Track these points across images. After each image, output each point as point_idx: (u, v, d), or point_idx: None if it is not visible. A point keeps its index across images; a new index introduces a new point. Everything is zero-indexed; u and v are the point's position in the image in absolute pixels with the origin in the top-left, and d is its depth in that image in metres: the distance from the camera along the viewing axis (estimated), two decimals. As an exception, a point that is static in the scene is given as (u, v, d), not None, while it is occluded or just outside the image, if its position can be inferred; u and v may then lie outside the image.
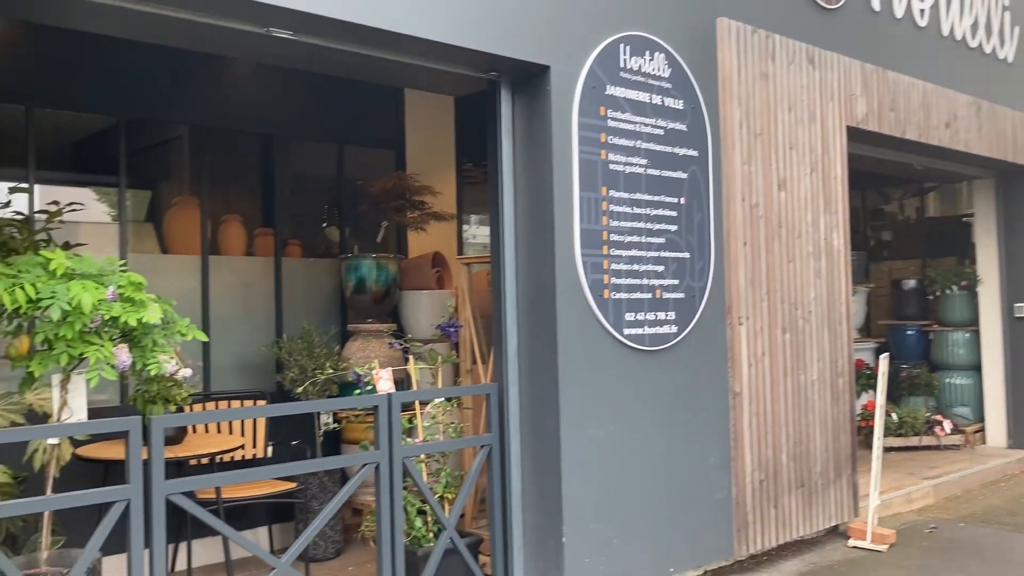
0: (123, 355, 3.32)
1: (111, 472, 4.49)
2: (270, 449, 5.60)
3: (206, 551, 5.37)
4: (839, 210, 5.97)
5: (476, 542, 4.48)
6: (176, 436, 4.70)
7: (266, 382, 5.95)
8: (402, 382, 5.36)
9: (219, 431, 5.50)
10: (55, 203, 4.63)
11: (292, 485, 5.21)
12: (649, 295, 4.70)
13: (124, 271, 3.48)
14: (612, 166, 4.56)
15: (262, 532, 5.75)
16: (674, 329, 4.81)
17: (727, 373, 5.08)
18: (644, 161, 4.71)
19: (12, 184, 4.42)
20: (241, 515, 5.58)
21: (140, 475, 3.25)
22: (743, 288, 5.21)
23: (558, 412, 4.24)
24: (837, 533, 5.98)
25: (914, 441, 8.29)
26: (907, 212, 10.56)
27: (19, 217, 4.56)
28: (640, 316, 4.64)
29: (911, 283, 9.52)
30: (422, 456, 4.57)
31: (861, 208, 10.40)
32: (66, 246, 4.60)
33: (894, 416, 8.26)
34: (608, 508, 4.41)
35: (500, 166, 4.45)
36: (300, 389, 5.31)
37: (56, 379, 3.38)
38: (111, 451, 4.49)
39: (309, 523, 5.46)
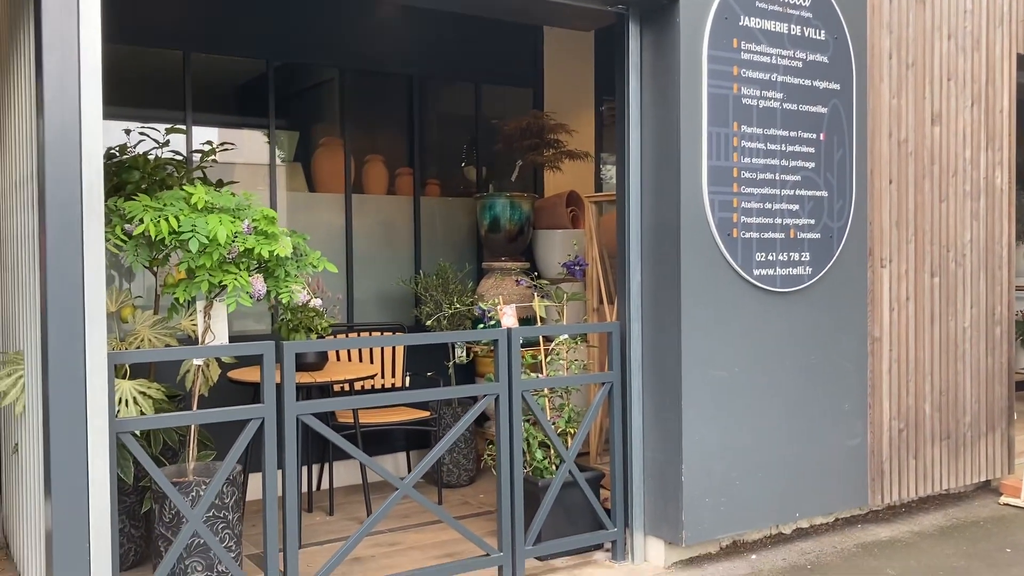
0: (258, 284, 3.55)
1: (260, 394, 4.83)
2: (408, 379, 5.85)
3: (348, 472, 5.72)
4: (1004, 146, 5.53)
5: (598, 476, 4.54)
6: (318, 363, 4.99)
7: (405, 316, 6.19)
8: (533, 319, 5.45)
9: (360, 360, 5.79)
10: (208, 143, 4.96)
11: (426, 414, 5.44)
12: (782, 235, 4.54)
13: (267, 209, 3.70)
14: (745, 100, 4.40)
15: (401, 457, 6.04)
16: (808, 270, 4.64)
17: (866, 317, 4.87)
18: (780, 95, 4.52)
19: (169, 125, 4.73)
20: (381, 440, 5.90)
21: (273, 396, 3.49)
22: (887, 229, 4.95)
23: (680, 351, 4.20)
24: (988, 489, 5.68)
25: (1090, 398, 7.67)
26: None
27: (178, 157, 4.91)
28: (771, 256, 4.50)
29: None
30: (545, 391, 4.65)
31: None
32: (219, 184, 4.93)
33: (1067, 370, 7.67)
34: (731, 449, 4.36)
35: (627, 102, 4.39)
36: (429, 322, 5.51)
37: (200, 305, 3.66)
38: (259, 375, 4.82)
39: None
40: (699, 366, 4.25)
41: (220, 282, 3.48)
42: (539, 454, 4.45)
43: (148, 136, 4.69)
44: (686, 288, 4.21)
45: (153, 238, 3.34)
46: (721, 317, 4.33)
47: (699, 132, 4.25)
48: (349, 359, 5.75)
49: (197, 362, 3.74)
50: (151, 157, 4.63)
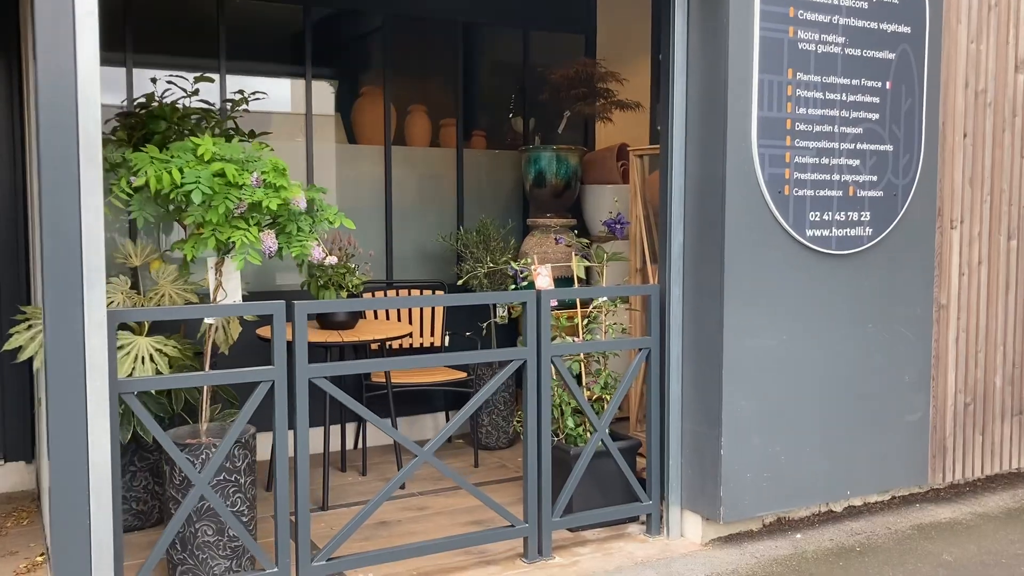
0: (268, 240, 3.39)
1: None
2: (447, 339, 5.69)
3: (383, 433, 5.60)
4: (1098, 96, 5.02)
5: (634, 446, 4.32)
6: (348, 322, 4.85)
7: (446, 273, 6.01)
8: (580, 280, 5.21)
9: (399, 319, 5.64)
10: (240, 92, 4.80)
11: (463, 375, 5.27)
12: (840, 192, 4.19)
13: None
14: (801, 45, 4.04)
15: (440, 417, 5.91)
16: (868, 231, 4.28)
17: (932, 283, 4.49)
18: (842, 39, 4.14)
19: (197, 74, 4.58)
20: (420, 400, 5.78)
21: (284, 358, 3.35)
22: (959, 187, 4.54)
23: (721, 316, 3.92)
24: (1065, 469, 5.28)
25: None
26: None
27: (209, 107, 4.77)
28: (827, 216, 4.16)
29: None
30: (581, 356, 4.43)
31: None
32: (252, 135, 4.79)
33: None
34: (775, 422, 4.08)
35: (672, 46, 4.06)
36: (460, 281, 5.32)
37: (210, 262, 3.53)
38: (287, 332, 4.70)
39: (480, 412, 5.56)
40: (743, 333, 3.97)
41: (229, 239, 3.33)
42: (571, 421, 4.24)
43: (175, 85, 4.56)
44: (731, 248, 3.92)
45: (152, 191, 3.20)
46: (769, 281, 4.03)
47: (749, 80, 3.92)
48: (388, 317, 5.60)
49: (209, 321, 3.61)
50: (180, 106, 4.50)
